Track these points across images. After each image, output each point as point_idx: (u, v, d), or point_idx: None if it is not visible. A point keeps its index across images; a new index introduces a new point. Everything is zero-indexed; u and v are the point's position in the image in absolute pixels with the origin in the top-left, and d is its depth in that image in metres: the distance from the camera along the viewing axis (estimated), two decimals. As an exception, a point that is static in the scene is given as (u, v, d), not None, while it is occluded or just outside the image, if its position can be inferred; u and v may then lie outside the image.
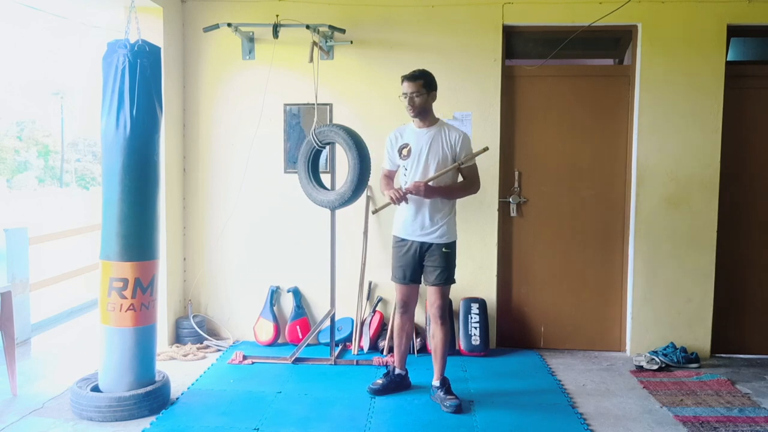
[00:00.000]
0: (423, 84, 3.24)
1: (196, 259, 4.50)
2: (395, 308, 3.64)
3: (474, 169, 3.35)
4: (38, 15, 4.36)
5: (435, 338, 3.40)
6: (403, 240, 3.36)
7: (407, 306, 3.44)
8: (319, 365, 3.93)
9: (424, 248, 3.31)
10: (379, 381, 3.47)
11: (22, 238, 4.58)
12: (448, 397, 3.29)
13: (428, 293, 3.40)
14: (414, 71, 3.29)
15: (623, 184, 4.29)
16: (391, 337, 4.16)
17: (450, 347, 4.11)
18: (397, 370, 3.52)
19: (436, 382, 3.38)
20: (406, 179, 3.34)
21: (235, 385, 3.58)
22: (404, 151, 3.35)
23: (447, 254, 3.30)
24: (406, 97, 3.26)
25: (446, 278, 3.32)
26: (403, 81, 3.29)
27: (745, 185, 4.27)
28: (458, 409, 3.21)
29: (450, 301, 4.23)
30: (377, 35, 4.27)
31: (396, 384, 3.48)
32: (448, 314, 3.44)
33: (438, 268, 3.30)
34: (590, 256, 4.34)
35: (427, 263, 3.33)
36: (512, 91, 4.32)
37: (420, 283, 3.43)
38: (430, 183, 3.21)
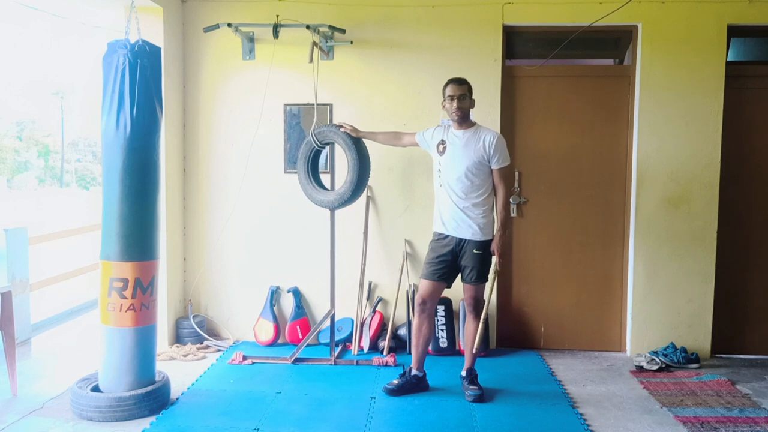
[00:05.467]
0: (468, 88, 3.40)
1: (196, 259, 4.50)
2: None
3: (503, 172, 3.42)
4: (38, 15, 4.36)
5: (467, 330, 3.51)
6: (441, 235, 3.45)
7: (425, 304, 3.46)
8: (319, 365, 3.93)
9: (460, 245, 3.39)
10: (395, 381, 3.49)
11: (22, 238, 4.58)
12: (471, 386, 3.41)
13: (464, 288, 3.49)
14: (459, 77, 3.43)
15: (623, 184, 4.29)
16: (392, 338, 4.18)
17: (450, 347, 4.16)
18: (414, 371, 3.51)
19: (463, 372, 3.50)
20: (440, 180, 3.44)
21: (235, 385, 3.58)
22: (440, 147, 3.46)
23: (479, 255, 3.38)
24: (452, 100, 3.37)
25: (478, 277, 3.41)
26: (449, 84, 3.41)
27: (745, 185, 4.27)
28: (479, 399, 3.34)
29: (450, 300, 4.25)
30: (377, 35, 4.27)
31: (412, 385, 3.48)
32: (482, 308, 3.51)
33: (469, 266, 3.40)
34: (590, 256, 4.34)
35: (461, 260, 3.41)
36: (512, 92, 4.32)
37: (446, 284, 3.49)
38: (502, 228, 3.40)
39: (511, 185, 4.28)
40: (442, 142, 3.45)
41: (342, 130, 3.79)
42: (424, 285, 3.47)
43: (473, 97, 3.45)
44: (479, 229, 3.36)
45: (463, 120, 3.42)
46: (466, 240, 3.38)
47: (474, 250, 3.37)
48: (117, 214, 3.05)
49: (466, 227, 3.36)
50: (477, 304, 3.46)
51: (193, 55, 4.41)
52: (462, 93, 3.36)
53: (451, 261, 3.41)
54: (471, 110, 3.46)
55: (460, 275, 3.48)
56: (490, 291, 3.41)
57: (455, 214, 3.37)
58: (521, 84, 4.32)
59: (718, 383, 3.68)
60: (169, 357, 4.03)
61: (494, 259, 3.45)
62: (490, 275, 3.45)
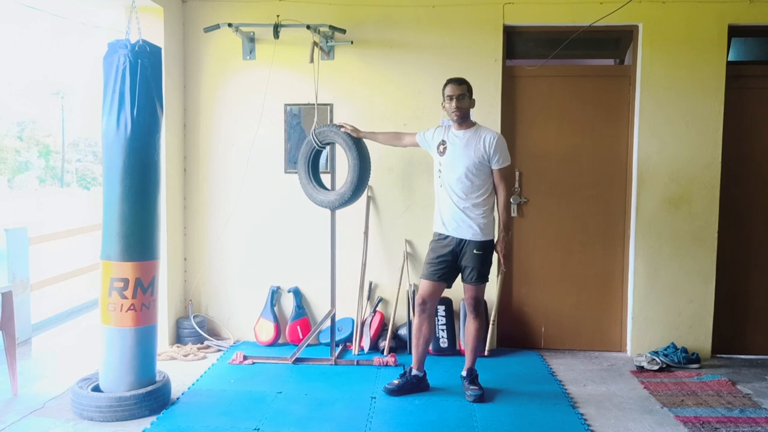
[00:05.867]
0: (467, 88, 3.39)
1: (197, 259, 4.50)
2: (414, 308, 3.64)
3: (504, 172, 3.41)
4: (38, 15, 4.36)
5: (467, 330, 3.52)
6: (442, 236, 3.44)
7: (425, 304, 3.46)
8: (320, 365, 3.93)
9: (461, 245, 3.38)
10: (396, 381, 3.48)
11: (22, 238, 4.58)
12: (472, 386, 3.41)
13: (464, 288, 3.48)
14: (458, 77, 3.43)
15: (624, 185, 4.29)
16: (392, 338, 4.18)
17: (451, 347, 4.16)
18: (414, 371, 3.51)
19: (464, 372, 3.50)
20: (440, 180, 3.43)
21: (236, 385, 3.58)
22: (441, 148, 3.45)
23: (479, 255, 3.37)
24: (451, 100, 3.37)
25: (478, 277, 3.41)
26: (448, 84, 3.40)
27: (746, 185, 4.27)
28: (479, 399, 3.34)
29: (450, 301, 4.25)
30: (378, 35, 4.27)
31: (412, 385, 3.48)
32: (482, 309, 3.53)
33: (470, 267, 3.39)
34: (591, 256, 4.34)
35: (461, 261, 3.41)
36: (513, 92, 4.32)
37: (447, 284, 3.48)
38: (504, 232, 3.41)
39: (511, 185, 4.28)
40: (443, 142, 3.45)
41: (342, 130, 3.79)
42: (424, 285, 3.47)
43: (473, 96, 3.45)
44: (479, 229, 3.36)
45: (463, 120, 3.41)
46: (466, 240, 3.37)
47: (474, 251, 3.37)
48: (117, 214, 3.05)
49: (466, 227, 3.36)
50: (477, 304, 3.45)
51: (194, 55, 4.41)
52: (461, 93, 3.35)
53: (451, 261, 3.41)
54: (471, 110, 3.46)
55: (460, 275, 3.48)
56: (498, 293, 3.40)
57: (455, 214, 3.37)
58: (522, 84, 4.32)
59: (719, 383, 3.68)
60: (170, 357, 4.04)
61: (499, 260, 3.44)
62: (495, 277, 3.44)
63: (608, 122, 4.29)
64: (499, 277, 3.40)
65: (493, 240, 3.43)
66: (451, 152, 3.40)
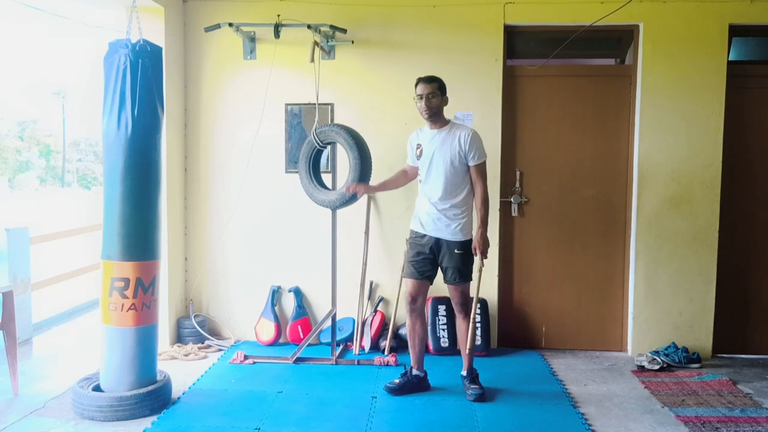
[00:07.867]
0: (438, 86, 3.35)
1: (198, 259, 4.50)
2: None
3: (480, 168, 3.37)
4: (38, 15, 4.36)
5: (458, 331, 3.51)
6: (419, 234, 3.44)
7: (415, 302, 3.46)
8: (321, 365, 3.93)
9: (439, 244, 3.38)
10: (396, 381, 3.49)
11: (23, 238, 4.58)
12: (472, 386, 3.41)
13: (449, 290, 3.47)
14: (429, 75, 3.39)
15: (625, 184, 4.29)
16: (393, 337, 4.18)
17: (451, 346, 4.16)
18: (415, 371, 3.52)
19: (464, 372, 3.49)
20: (422, 184, 3.44)
21: (237, 384, 3.59)
22: (418, 152, 3.46)
23: (460, 255, 3.36)
24: (421, 99, 3.34)
25: (460, 277, 3.39)
26: (418, 83, 3.38)
27: (746, 185, 4.26)
28: (480, 398, 3.33)
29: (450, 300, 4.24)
30: (379, 35, 4.27)
31: (413, 385, 3.48)
32: (470, 307, 3.46)
33: (451, 267, 3.38)
34: (591, 256, 4.34)
35: (442, 262, 3.40)
36: (513, 91, 4.31)
37: (429, 281, 3.48)
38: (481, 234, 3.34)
39: (512, 185, 4.28)
40: (419, 146, 3.46)
41: (349, 192, 3.66)
42: (410, 284, 3.47)
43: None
44: (458, 229, 3.35)
45: (436, 118, 3.40)
46: (444, 240, 3.36)
47: (456, 251, 3.36)
48: (118, 214, 3.05)
49: (443, 227, 3.35)
50: (465, 302, 3.44)
51: (195, 55, 4.41)
52: (430, 91, 3.33)
53: (431, 258, 3.41)
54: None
55: (443, 276, 3.46)
56: (477, 289, 3.38)
57: (433, 214, 3.36)
58: (522, 84, 4.32)
59: (720, 383, 3.68)
60: (171, 356, 4.04)
61: (477, 257, 3.41)
62: (475, 273, 3.42)
63: (609, 122, 4.29)
64: (479, 275, 3.36)
65: (470, 240, 3.39)
66: (427, 153, 3.39)
